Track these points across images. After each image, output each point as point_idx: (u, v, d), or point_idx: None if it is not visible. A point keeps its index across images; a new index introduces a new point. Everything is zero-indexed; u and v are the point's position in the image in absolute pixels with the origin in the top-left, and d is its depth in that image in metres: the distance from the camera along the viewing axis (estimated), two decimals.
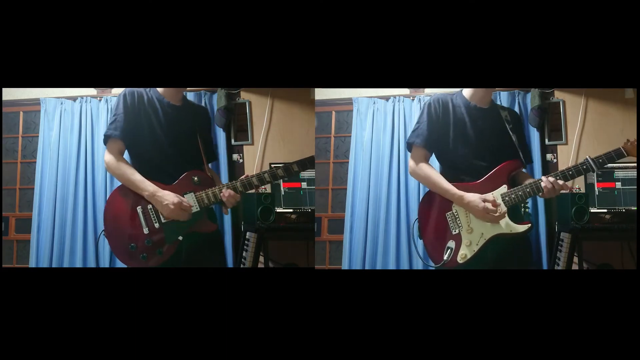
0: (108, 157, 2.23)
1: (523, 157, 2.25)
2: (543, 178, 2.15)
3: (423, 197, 2.31)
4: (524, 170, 2.32)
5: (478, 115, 2.23)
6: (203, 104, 3.91)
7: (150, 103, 2.24)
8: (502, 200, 2.15)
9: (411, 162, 2.28)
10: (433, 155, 2.31)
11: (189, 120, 2.31)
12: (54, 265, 3.92)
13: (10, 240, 4.18)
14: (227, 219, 3.89)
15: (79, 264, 3.89)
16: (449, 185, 2.19)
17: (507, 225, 2.14)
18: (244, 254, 3.60)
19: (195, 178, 2.22)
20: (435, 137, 2.24)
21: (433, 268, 2.22)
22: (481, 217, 2.15)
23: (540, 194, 2.16)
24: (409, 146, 2.29)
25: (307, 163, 2.25)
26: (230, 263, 3.83)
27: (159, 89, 2.28)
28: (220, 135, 3.95)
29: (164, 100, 2.26)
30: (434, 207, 2.24)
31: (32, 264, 3.98)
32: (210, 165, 2.47)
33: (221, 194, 2.20)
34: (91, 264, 3.90)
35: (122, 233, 2.19)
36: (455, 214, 2.19)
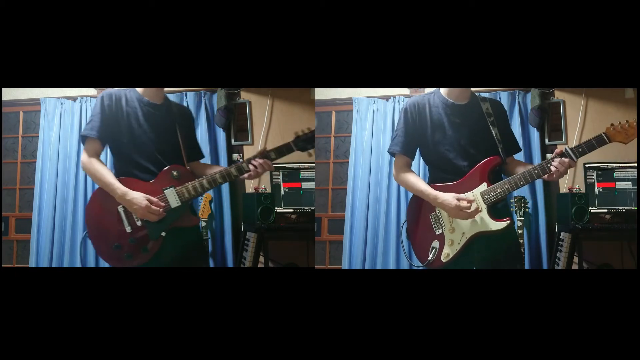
0: (84, 157, 2.24)
1: (506, 149, 2.22)
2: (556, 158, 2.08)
3: (410, 199, 2.34)
4: (515, 157, 2.31)
5: (456, 113, 2.21)
6: (203, 104, 3.93)
7: (129, 103, 2.24)
8: (482, 199, 2.15)
9: (394, 171, 2.33)
10: (421, 158, 2.34)
11: (170, 118, 2.29)
12: (54, 265, 3.92)
13: (10, 240, 4.18)
14: (227, 219, 3.89)
15: (79, 264, 3.89)
16: (425, 187, 2.22)
17: (487, 223, 2.14)
18: (244, 254, 3.60)
19: (175, 173, 2.21)
20: (414, 142, 2.26)
21: (419, 268, 2.23)
22: (455, 215, 2.16)
23: (546, 175, 2.10)
24: (391, 155, 2.33)
25: (285, 150, 2.26)
26: (230, 263, 3.83)
27: (139, 89, 2.28)
28: (220, 135, 3.95)
29: (143, 99, 2.26)
30: (419, 208, 2.27)
31: (32, 264, 3.98)
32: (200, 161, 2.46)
33: (250, 165, 2.21)
34: (91, 264, 3.91)
35: (106, 233, 2.19)
36: (439, 214, 2.21)
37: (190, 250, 2.29)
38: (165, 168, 2.22)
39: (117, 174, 2.23)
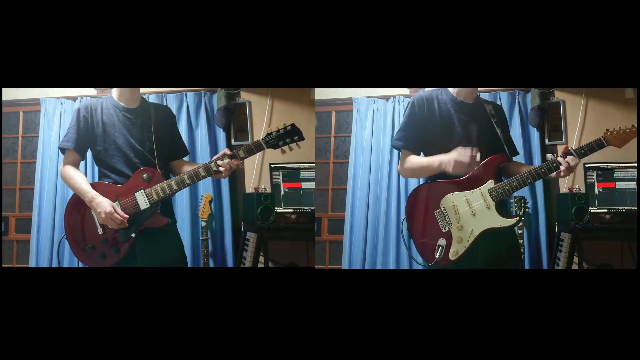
0: (61, 168, 2.34)
1: (508, 150, 2.24)
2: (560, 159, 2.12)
3: (409, 196, 2.31)
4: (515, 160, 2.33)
5: (464, 111, 2.23)
6: (203, 104, 3.92)
7: (105, 111, 2.31)
8: (490, 195, 2.16)
9: (399, 166, 2.32)
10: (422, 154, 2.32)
11: (147, 120, 2.34)
12: (54, 265, 3.92)
13: (10, 240, 4.18)
14: (227, 219, 3.89)
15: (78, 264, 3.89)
16: (432, 157, 2.20)
17: (496, 220, 2.15)
18: (244, 254, 3.60)
19: (144, 175, 2.25)
20: (420, 137, 2.24)
21: (425, 267, 2.22)
22: (462, 166, 2.13)
23: (554, 173, 2.13)
24: (396, 149, 2.31)
25: (254, 148, 2.23)
26: (230, 263, 3.83)
27: (114, 95, 2.34)
28: (220, 136, 3.95)
29: (119, 105, 2.33)
30: (421, 206, 2.25)
31: (32, 264, 3.98)
32: (185, 158, 2.49)
33: (219, 165, 2.20)
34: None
35: (81, 236, 2.28)
36: (444, 211, 2.19)
37: (164, 251, 2.30)
38: (136, 171, 2.27)
39: (100, 180, 2.31)
